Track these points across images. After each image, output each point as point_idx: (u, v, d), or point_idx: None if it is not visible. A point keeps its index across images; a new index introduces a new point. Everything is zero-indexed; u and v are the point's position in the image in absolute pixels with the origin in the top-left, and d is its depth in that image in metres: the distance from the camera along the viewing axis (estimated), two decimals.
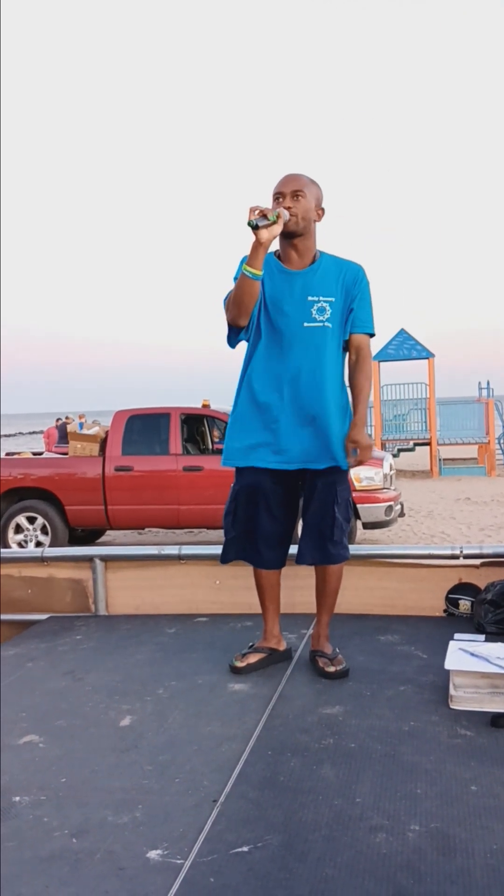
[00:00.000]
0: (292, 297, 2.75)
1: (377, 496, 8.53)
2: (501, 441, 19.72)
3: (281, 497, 2.87)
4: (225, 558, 3.02)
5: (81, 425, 19.19)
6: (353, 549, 3.86)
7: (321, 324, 2.73)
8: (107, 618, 3.76)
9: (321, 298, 2.74)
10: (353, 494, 8.32)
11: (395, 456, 16.25)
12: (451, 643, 2.72)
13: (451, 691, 2.49)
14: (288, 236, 2.74)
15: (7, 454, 10.28)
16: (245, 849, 1.72)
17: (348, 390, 2.87)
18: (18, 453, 10.43)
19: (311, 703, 2.56)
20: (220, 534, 9.89)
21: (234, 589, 3.66)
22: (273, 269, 2.79)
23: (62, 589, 3.89)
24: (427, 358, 18.49)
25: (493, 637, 2.96)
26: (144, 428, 9.15)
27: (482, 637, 2.94)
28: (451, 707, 2.46)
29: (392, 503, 8.66)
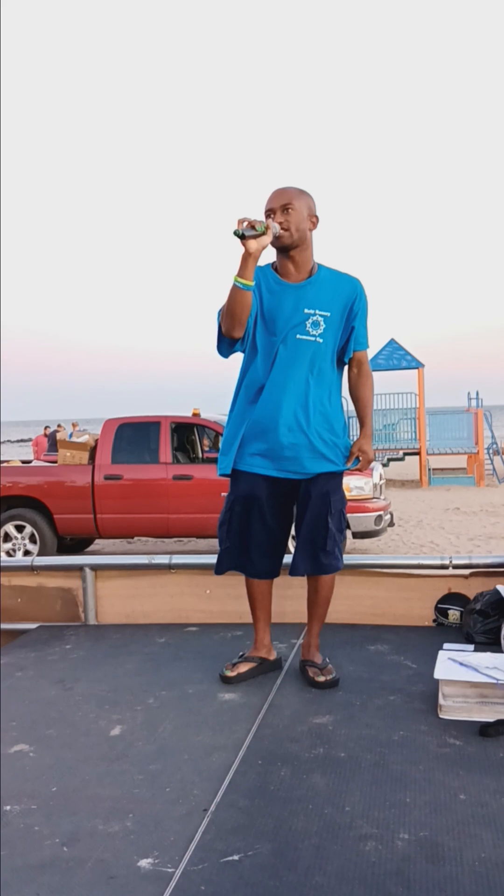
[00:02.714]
0: (288, 310, 2.76)
1: (367, 506, 8.55)
2: (490, 451, 19.80)
3: (275, 506, 2.88)
4: (219, 569, 3.01)
5: (71, 434, 19.16)
6: (343, 558, 3.88)
7: (313, 338, 2.75)
8: (97, 627, 3.76)
9: (317, 312, 2.76)
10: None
11: (384, 465, 16.30)
12: (441, 653, 2.74)
13: (441, 701, 2.51)
14: (284, 250, 2.77)
15: None
16: (235, 857, 1.72)
17: (344, 402, 2.93)
18: (7, 461, 10.40)
19: (301, 712, 2.56)
20: (210, 543, 9.98)
21: (225, 598, 3.67)
22: (270, 282, 2.81)
23: (52, 598, 3.89)
24: (417, 368, 18.57)
25: (482, 647, 2.98)
26: (134, 436, 9.15)
27: (471, 647, 2.96)
28: (440, 716, 2.47)
29: (382, 513, 8.68)
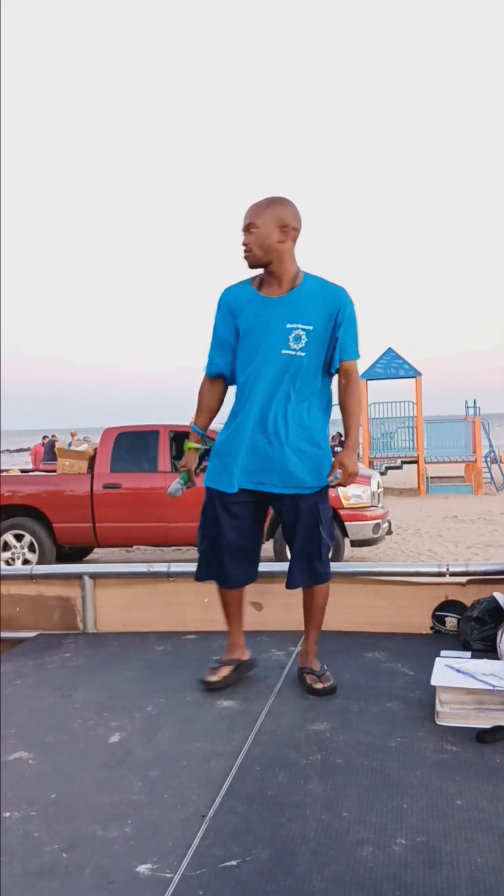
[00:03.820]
0: (270, 325, 2.77)
1: (365, 514, 8.56)
2: (488, 459, 19.83)
3: (247, 514, 2.90)
4: (198, 575, 3.04)
5: (70, 443, 19.15)
6: (341, 566, 3.90)
7: (295, 352, 2.74)
8: (95, 635, 3.77)
9: (299, 326, 2.75)
10: (342, 512, 8.37)
11: (382, 474, 16.32)
12: (438, 660, 2.76)
13: (438, 707, 2.52)
14: (261, 266, 2.80)
15: None
16: (234, 863, 1.74)
17: (333, 413, 2.93)
18: (6, 470, 10.41)
19: (299, 719, 2.58)
20: None
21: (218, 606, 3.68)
22: (250, 299, 2.83)
23: (50, 606, 3.90)
24: (414, 377, 18.62)
25: (479, 654, 3.00)
26: (133, 445, 9.16)
27: (468, 654, 2.98)
28: (437, 723, 2.49)
29: (380, 521, 8.69)
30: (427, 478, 18.60)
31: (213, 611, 3.70)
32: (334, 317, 2.77)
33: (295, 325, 2.75)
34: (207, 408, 2.99)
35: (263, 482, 2.83)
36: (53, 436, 25.06)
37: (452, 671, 2.62)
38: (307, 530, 2.85)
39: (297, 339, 2.75)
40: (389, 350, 18.78)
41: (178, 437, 9.43)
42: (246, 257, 2.78)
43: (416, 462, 18.58)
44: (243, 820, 1.93)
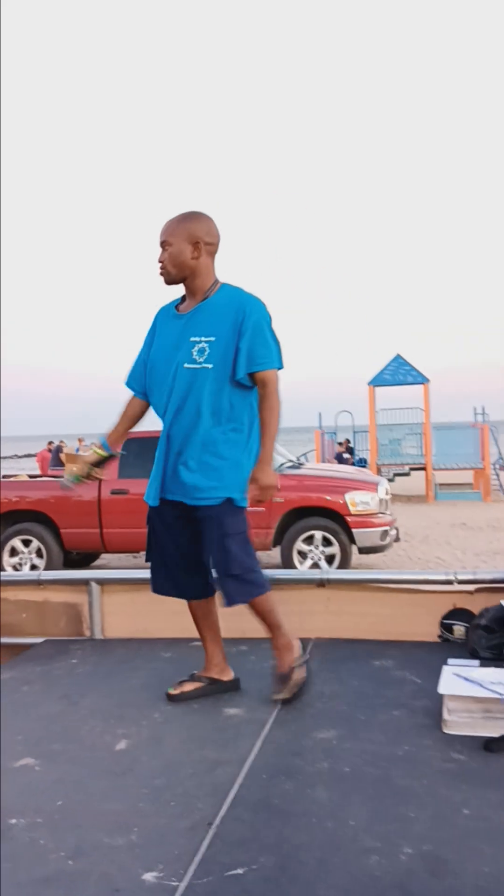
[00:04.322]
0: (176, 340, 2.79)
1: (372, 521, 8.55)
2: (497, 466, 19.77)
3: (183, 527, 2.88)
4: (153, 587, 3.06)
5: (78, 449, 19.21)
6: (349, 573, 3.90)
7: (200, 365, 2.73)
8: (102, 641, 3.77)
9: (202, 339, 2.74)
10: (349, 519, 8.35)
11: (390, 481, 16.29)
12: (445, 668, 2.75)
13: (445, 716, 2.51)
14: (176, 283, 2.84)
15: (3, 477, 10.30)
16: (240, 871, 1.73)
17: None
18: (14, 476, 10.44)
19: (306, 727, 2.57)
20: None
21: (229, 614, 3.66)
22: (169, 316, 2.89)
23: (57, 612, 3.90)
24: (422, 383, 18.60)
25: (487, 662, 2.99)
26: (141, 451, 9.12)
27: (476, 662, 2.96)
28: (445, 731, 2.48)
29: (387, 528, 8.68)
30: (435, 485, 18.56)
31: (222, 618, 3.69)
32: (238, 326, 2.72)
33: (198, 339, 2.74)
34: (126, 420, 3.02)
35: (174, 492, 2.83)
36: (61, 442, 25.11)
37: (460, 679, 2.61)
38: (212, 543, 2.78)
39: (201, 351, 2.73)
40: (398, 357, 18.76)
41: None
42: (161, 275, 2.82)
43: (424, 469, 18.54)
44: (249, 828, 1.93)
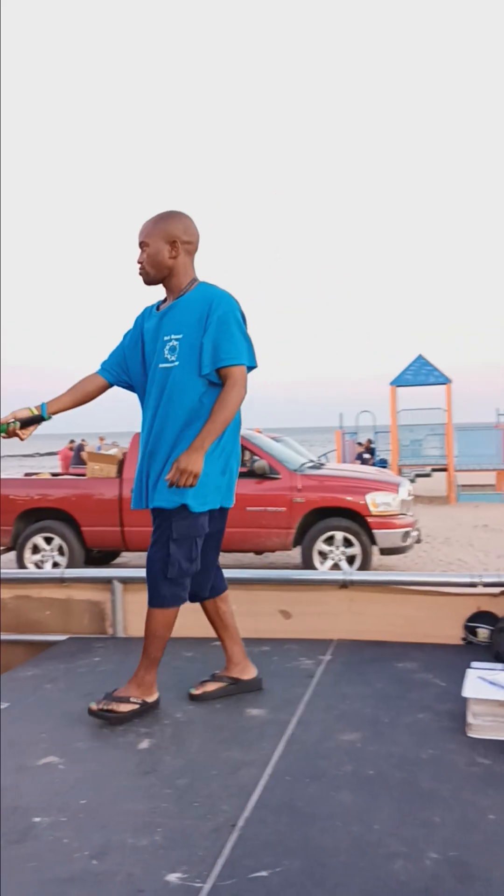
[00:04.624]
0: (152, 340, 2.79)
1: (393, 522, 8.51)
2: None
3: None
4: None
5: (100, 447, 19.28)
6: (371, 575, 3.88)
7: (170, 364, 2.71)
8: (125, 640, 3.77)
9: (172, 337, 2.72)
10: (370, 520, 8.33)
11: (411, 481, 16.22)
12: (469, 671, 2.72)
13: (469, 719, 2.49)
14: (156, 283, 2.82)
15: (26, 475, 10.36)
16: (264, 874, 1.72)
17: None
18: (37, 474, 10.50)
19: (330, 728, 2.56)
20: (236, 557, 9.96)
21: (252, 614, 3.67)
22: (149, 314, 2.87)
23: (80, 610, 3.91)
24: (444, 384, 18.50)
25: None
26: None
27: (501, 665, 2.94)
28: (469, 735, 2.46)
29: (409, 529, 8.64)
30: (457, 486, 18.46)
31: (242, 618, 3.68)
32: (203, 321, 2.69)
33: (169, 337, 2.73)
34: (74, 391, 2.89)
35: (139, 498, 2.81)
36: (83, 440, 25.24)
37: (485, 683, 2.59)
38: (157, 543, 2.74)
39: (172, 349, 2.71)
40: (419, 357, 18.68)
41: None
42: (140, 275, 2.81)
43: (445, 470, 18.44)
44: (273, 830, 1.92)
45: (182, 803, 2.08)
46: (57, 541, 8.89)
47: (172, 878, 1.72)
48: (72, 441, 24.31)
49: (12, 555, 9.20)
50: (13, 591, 3.93)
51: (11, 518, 9.01)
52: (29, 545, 8.92)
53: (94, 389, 2.91)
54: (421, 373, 18.51)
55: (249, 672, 2.99)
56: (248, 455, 9.04)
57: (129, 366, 2.89)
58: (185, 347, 2.69)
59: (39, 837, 1.92)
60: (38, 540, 8.92)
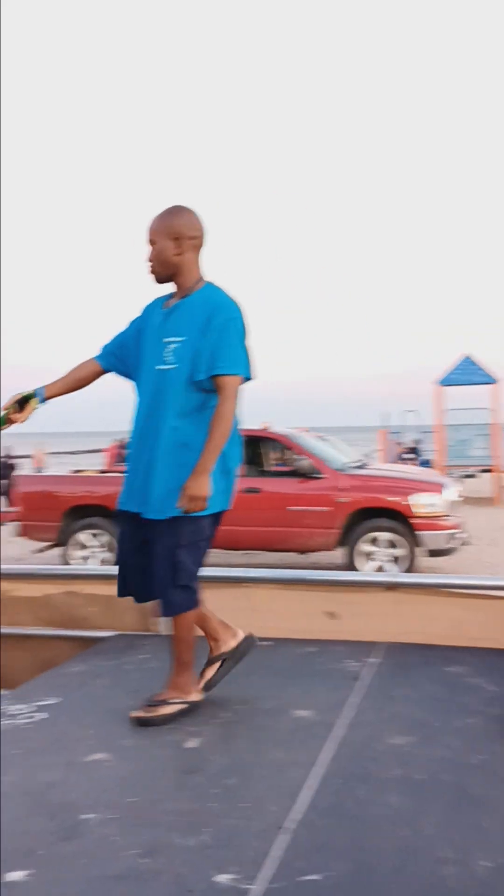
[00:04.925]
0: (154, 339, 2.74)
1: (438, 523, 8.41)
2: None
3: (132, 531, 2.78)
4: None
5: None
6: (419, 577, 3.83)
7: (170, 367, 2.66)
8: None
9: (173, 339, 2.67)
10: (415, 521, 8.24)
11: (463, 480, 16.02)
12: None
13: None
14: (166, 281, 2.78)
15: (73, 472, 10.47)
16: (315, 877, 1.71)
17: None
18: (83, 471, 10.60)
19: (378, 731, 2.53)
20: (279, 556, 9.89)
21: (297, 614, 3.65)
22: (156, 309, 2.82)
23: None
24: (491, 383, 18.24)
25: None
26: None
27: None
28: None
29: (454, 531, 8.53)
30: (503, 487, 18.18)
31: (288, 618, 3.68)
32: (205, 327, 2.63)
33: (170, 339, 2.68)
34: (70, 376, 2.88)
35: (127, 503, 2.77)
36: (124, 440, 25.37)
37: None
38: (151, 557, 2.71)
39: (172, 352, 2.66)
40: (467, 358, 18.45)
41: (252, 442, 9.44)
42: (150, 274, 2.77)
43: (491, 471, 18.18)
44: (323, 833, 1.91)
45: (229, 803, 2.07)
46: (103, 537, 8.96)
47: (222, 878, 1.71)
48: (118, 439, 24.49)
49: (59, 551, 9.31)
50: (61, 587, 3.96)
51: (58, 514, 9.11)
52: (75, 542, 9.00)
53: (87, 375, 2.89)
54: (467, 373, 18.29)
55: (236, 637, 2.92)
56: (291, 454, 9.02)
57: (129, 355, 2.85)
58: (185, 352, 2.64)
59: (88, 834, 1.93)
60: (84, 536, 8.99)
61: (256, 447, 9.76)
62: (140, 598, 2.88)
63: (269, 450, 9.98)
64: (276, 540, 8.82)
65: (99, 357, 2.90)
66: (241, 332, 2.69)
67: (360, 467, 9.40)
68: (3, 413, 2.75)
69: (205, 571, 3.94)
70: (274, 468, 9.82)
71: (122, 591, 2.87)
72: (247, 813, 2.02)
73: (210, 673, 2.87)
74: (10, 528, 10.22)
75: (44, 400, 2.81)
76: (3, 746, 2.51)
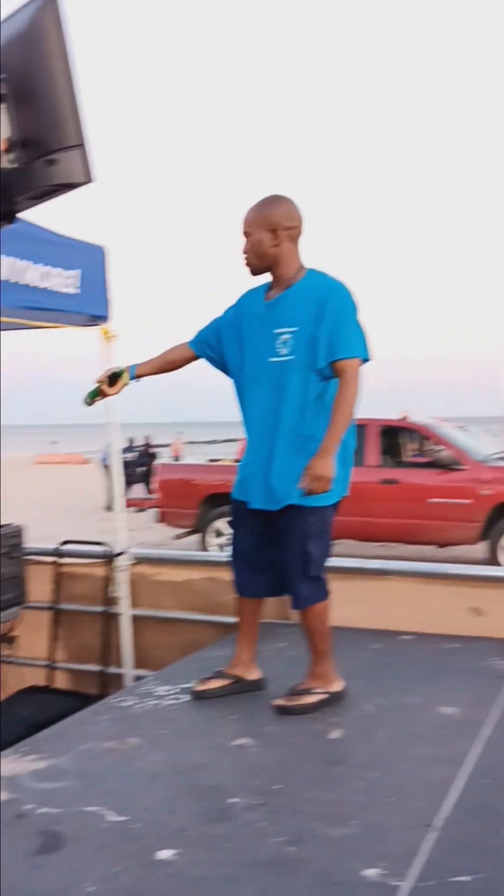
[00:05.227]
0: (260, 332, 2.70)
1: None
2: None
3: (262, 525, 2.78)
4: (236, 588, 2.99)
5: None
6: None
7: (285, 358, 2.62)
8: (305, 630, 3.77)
9: (285, 330, 2.62)
10: None
11: None
12: None
13: None
14: (262, 273, 2.74)
15: (209, 461, 10.67)
16: (464, 878, 1.66)
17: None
18: (219, 460, 10.79)
19: None
20: (417, 549, 9.74)
21: (441, 609, 3.56)
22: (256, 301, 2.77)
23: None
24: None
25: None
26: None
27: None
28: None
29: None
30: None
31: (431, 612, 3.60)
32: (319, 313, 2.58)
33: (282, 330, 2.63)
34: (162, 358, 2.93)
35: (248, 496, 2.76)
36: None
37: None
38: (283, 548, 2.72)
39: (285, 343, 2.62)
40: None
41: (387, 433, 9.31)
42: (246, 266, 2.73)
43: None
44: (473, 833, 1.85)
45: (375, 797, 2.05)
46: None
47: (370, 873, 1.69)
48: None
49: (196, 537, 9.51)
50: (202, 573, 4.03)
51: (195, 502, 9.32)
52: (212, 529, 9.17)
53: (179, 359, 2.93)
54: None
55: (253, 673, 2.93)
56: (431, 445, 8.83)
57: (223, 345, 2.85)
58: (299, 341, 2.62)
59: (236, 819, 1.95)
60: (221, 524, 9.15)
61: (394, 437, 9.62)
62: (259, 593, 2.93)
63: (408, 440, 9.82)
64: (414, 532, 8.67)
65: (192, 343, 2.93)
66: (355, 313, 2.67)
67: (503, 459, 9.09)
68: (95, 386, 2.84)
69: (342, 563, 3.93)
70: (412, 459, 9.65)
71: (242, 588, 2.93)
72: (393, 808, 1.98)
73: (215, 684, 2.86)
74: (150, 514, 10.55)
75: (134, 377, 2.89)
76: (150, 726, 2.58)
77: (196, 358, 2.93)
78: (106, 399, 2.95)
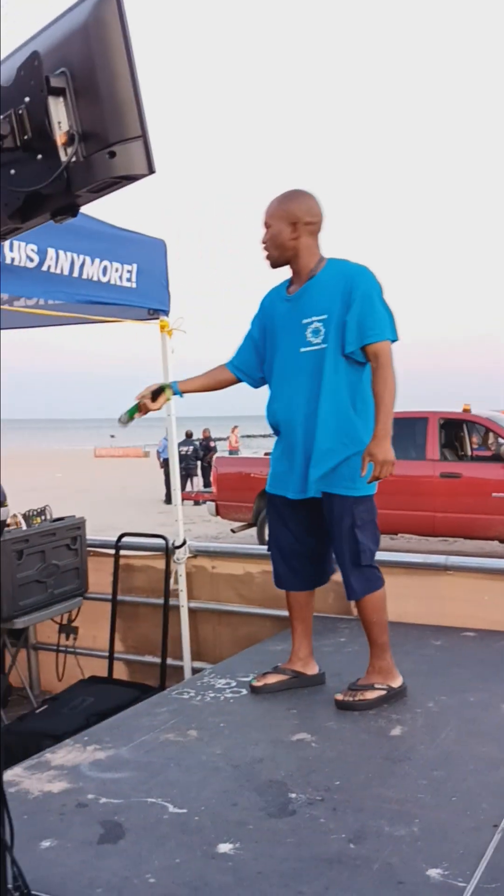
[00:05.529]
0: (288, 324, 2.70)
1: None
2: None
3: (299, 518, 2.79)
4: (274, 581, 2.97)
5: None
6: None
7: (317, 346, 2.62)
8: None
9: (314, 319, 2.63)
10: None
11: None
12: None
13: None
14: (281, 265, 2.74)
15: (266, 454, 10.66)
16: None
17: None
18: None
19: None
20: (478, 545, 9.58)
21: (503, 606, 3.49)
22: (279, 299, 2.78)
23: (324, 589, 3.92)
24: None
25: None
26: (400, 431, 8.98)
27: None
28: None
29: None
30: None
31: (495, 609, 3.53)
32: (347, 299, 2.58)
33: (310, 319, 2.64)
34: (206, 377, 2.94)
35: (286, 489, 2.75)
36: None
37: None
38: (335, 538, 2.71)
39: (316, 332, 2.62)
40: None
41: (448, 425, 9.18)
42: (265, 258, 2.74)
43: None
44: None
45: (439, 796, 2.01)
46: None
47: (433, 873, 1.66)
48: None
49: (254, 531, 9.52)
50: (259, 567, 4.03)
51: (252, 495, 9.31)
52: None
53: (225, 380, 2.96)
54: None
55: (312, 668, 2.91)
56: (495, 438, 8.67)
57: (261, 360, 2.86)
58: (332, 327, 2.63)
59: (297, 813, 1.94)
60: None
61: (457, 430, 9.47)
62: (296, 586, 2.91)
63: (470, 433, 9.66)
64: (477, 527, 8.54)
65: (229, 365, 2.96)
66: (382, 295, 2.68)
67: None
68: (137, 401, 2.87)
69: (402, 557, 3.88)
70: (475, 453, 9.49)
71: (280, 580, 2.93)
72: (458, 807, 1.95)
73: (273, 679, 2.86)
74: (208, 507, 10.60)
75: (177, 393, 2.92)
76: (210, 719, 2.58)
77: (238, 381, 2.96)
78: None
